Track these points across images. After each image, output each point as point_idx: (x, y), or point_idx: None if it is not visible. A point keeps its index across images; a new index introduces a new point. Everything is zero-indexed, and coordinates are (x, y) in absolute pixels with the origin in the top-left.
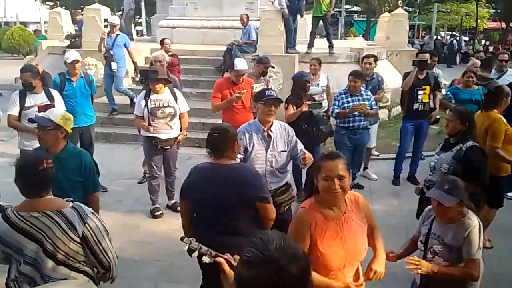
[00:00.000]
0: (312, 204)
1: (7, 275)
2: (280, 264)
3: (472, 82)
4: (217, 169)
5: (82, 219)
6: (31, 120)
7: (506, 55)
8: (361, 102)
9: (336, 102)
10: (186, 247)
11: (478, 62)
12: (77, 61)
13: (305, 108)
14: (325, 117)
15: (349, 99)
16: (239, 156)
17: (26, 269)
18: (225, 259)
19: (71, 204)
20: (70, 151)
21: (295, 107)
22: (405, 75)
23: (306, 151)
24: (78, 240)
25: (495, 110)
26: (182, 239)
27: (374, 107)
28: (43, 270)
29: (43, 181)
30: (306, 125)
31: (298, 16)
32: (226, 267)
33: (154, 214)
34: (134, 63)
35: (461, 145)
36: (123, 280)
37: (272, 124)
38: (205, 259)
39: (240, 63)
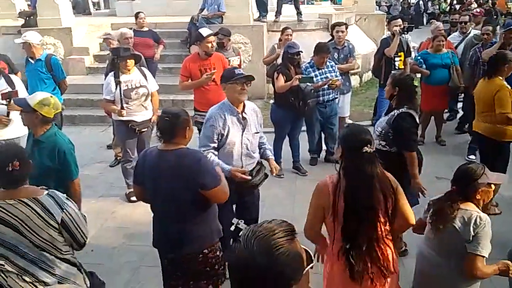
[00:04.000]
0: None
1: None
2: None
3: (442, 46)
4: (164, 156)
5: (60, 206)
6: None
7: (466, 17)
8: (333, 78)
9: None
10: (233, 227)
11: (441, 25)
12: (26, 44)
13: (295, 83)
14: (312, 91)
15: (317, 72)
16: (213, 145)
17: (9, 255)
18: None
19: (46, 191)
20: (48, 137)
21: (285, 78)
22: (383, 41)
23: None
24: (56, 226)
25: (499, 77)
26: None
27: (338, 77)
28: (27, 256)
29: (14, 179)
30: (293, 98)
31: None
32: None
33: (130, 198)
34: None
35: (396, 110)
36: (102, 268)
37: (244, 106)
38: None
39: (205, 31)
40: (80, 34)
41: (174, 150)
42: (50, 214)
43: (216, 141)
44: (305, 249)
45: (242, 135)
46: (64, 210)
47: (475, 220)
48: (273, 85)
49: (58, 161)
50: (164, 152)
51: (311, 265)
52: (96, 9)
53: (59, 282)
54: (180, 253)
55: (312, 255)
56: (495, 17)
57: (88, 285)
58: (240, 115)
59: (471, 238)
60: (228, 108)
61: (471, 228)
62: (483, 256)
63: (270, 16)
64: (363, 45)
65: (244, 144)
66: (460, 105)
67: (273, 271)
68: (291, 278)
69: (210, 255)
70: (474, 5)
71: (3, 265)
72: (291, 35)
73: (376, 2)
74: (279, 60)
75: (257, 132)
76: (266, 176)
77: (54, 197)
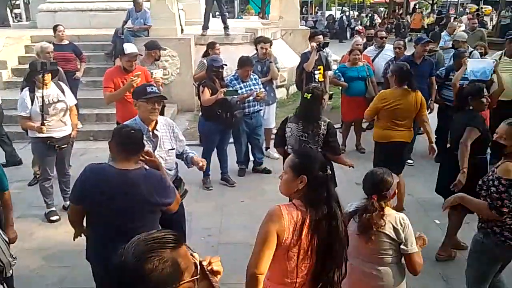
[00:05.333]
0: None
1: None
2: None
3: (358, 60)
4: (125, 174)
5: None
6: None
7: (383, 32)
8: (259, 90)
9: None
10: None
11: (360, 40)
12: None
13: (220, 96)
14: (238, 102)
15: (241, 84)
16: None
17: None
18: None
19: None
20: None
21: (210, 91)
22: (303, 56)
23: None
24: None
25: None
26: None
27: (262, 89)
28: None
29: None
30: (219, 111)
31: None
32: None
33: (50, 218)
34: None
35: None
36: None
37: (156, 122)
38: None
39: (130, 47)
40: None
41: (137, 169)
42: None
43: None
44: (195, 262)
45: (153, 152)
46: None
47: (400, 222)
48: (199, 98)
49: None
50: (126, 172)
51: (195, 277)
52: (18, 21)
53: None
54: None
55: (205, 269)
56: (403, 30)
57: None
58: (151, 133)
59: (403, 239)
60: (138, 126)
61: (400, 230)
62: (418, 251)
63: (196, 29)
64: (289, 58)
65: (159, 162)
66: None
67: (139, 275)
68: (160, 285)
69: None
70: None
71: None
72: (219, 49)
73: (303, 16)
74: None
75: (173, 149)
76: (185, 191)
77: None
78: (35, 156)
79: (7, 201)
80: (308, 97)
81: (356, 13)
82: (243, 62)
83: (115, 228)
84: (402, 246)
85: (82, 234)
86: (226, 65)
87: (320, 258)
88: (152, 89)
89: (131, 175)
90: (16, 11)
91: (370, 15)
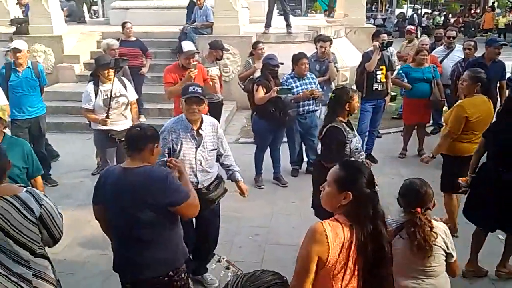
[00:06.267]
0: None
1: None
2: None
3: (425, 61)
4: (127, 174)
5: (38, 202)
6: None
7: (453, 32)
8: (313, 88)
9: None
10: (214, 265)
11: (427, 39)
12: (17, 50)
13: (273, 94)
14: (292, 101)
15: (298, 83)
16: (162, 158)
17: None
18: None
19: (24, 189)
20: (10, 141)
21: (264, 90)
22: (364, 55)
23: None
24: (35, 221)
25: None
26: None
27: (319, 89)
28: (3, 250)
29: None
30: (273, 109)
31: None
32: None
33: None
34: None
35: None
36: (72, 278)
37: (202, 122)
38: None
39: (188, 45)
40: (71, 42)
41: (139, 167)
42: (30, 209)
43: (167, 154)
44: None
45: (196, 151)
46: (42, 206)
47: (445, 231)
48: (250, 99)
49: (27, 161)
50: (128, 170)
51: None
52: (96, 17)
53: (33, 275)
54: (144, 277)
55: None
56: (472, 29)
57: (57, 278)
58: (195, 132)
59: (451, 249)
60: (183, 124)
61: (447, 240)
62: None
63: (259, 27)
64: (352, 57)
65: (198, 161)
66: None
67: None
68: None
69: (176, 277)
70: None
71: None
72: (263, 48)
73: (372, 14)
74: (256, 75)
75: (214, 149)
76: (225, 190)
77: (33, 194)
78: (97, 147)
79: (39, 187)
80: (332, 97)
81: (428, 10)
82: (296, 57)
83: (121, 227)
84: (447, 254)
85: None
86: (282, 63)
87: (367, 279)
88: (194, 89)
89: (132, 173)
90: (94, 7)
91: (444, 13)
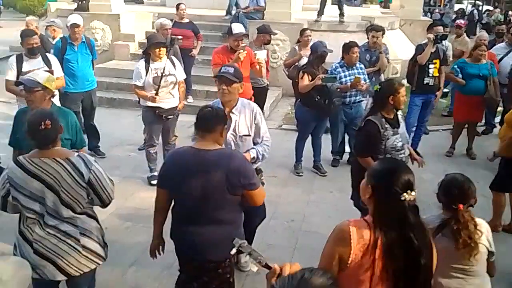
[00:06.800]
0: None
1: (19, 223)
2: None
3: (482, 56)
4: (202, 154)
5: (87, 166)
6: (17, 83)
7: None
8: (356, 75)
9: None
10: (234, 250)
11: (485, 35)
12: (76, 25)
13: (318, 82)
14: (338, 90)
15: (346, 72)
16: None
17: (34, 205)
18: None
19: (76, 153)
20: (57, 111)
21: (310, 77)
22: (418, 48)
23: None
24: (84, 185)
25: None
26: (232, 240)
27: (367, 81)
28: (48, 209)
29: (46, 137)
30: (318, 97)
31: None
32: (274, 278)
33: (151, 182)
34: None
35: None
36: (112, 246)
37: (236, 103)
38: (253, 267)
39: (237, 27)
40: (128, 21)
41: (214, 149)
42: (80, 173)
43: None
44: None
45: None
46: (91, 171)
47: (487, 229)
48: (294, 86)
49: (71, 132)
50: (203, 152)
51: None
52: None
53: (81, 233)
54: (204, 258)
55: None
56: None
57: (105, 242)
58: (226, 114)
59: (493, 247)
60: (217, 105)
61: (490, 238)
62: None
63: (311, 15)
64: (404, 50)
65: (228, 145)
66: (498, 119)
67: None
68: None
69: (227, 265)
70: None
71: (32, 218)
72: (310, 36)
73: (430, 8)
74: (301, 62)
75: (248, 135)
76: (262, 184)
77: (83, 158)
78: (144, 123)
79: None
80: (377, 90)
81: (490, 7)
82: (348, 45)
83: (189, 209)
84: (492, 253)
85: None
86: (331, 50)
87: (400, 285)
88: (226, 69)
89: (208, 155)
90: None
91: (506, 11)
